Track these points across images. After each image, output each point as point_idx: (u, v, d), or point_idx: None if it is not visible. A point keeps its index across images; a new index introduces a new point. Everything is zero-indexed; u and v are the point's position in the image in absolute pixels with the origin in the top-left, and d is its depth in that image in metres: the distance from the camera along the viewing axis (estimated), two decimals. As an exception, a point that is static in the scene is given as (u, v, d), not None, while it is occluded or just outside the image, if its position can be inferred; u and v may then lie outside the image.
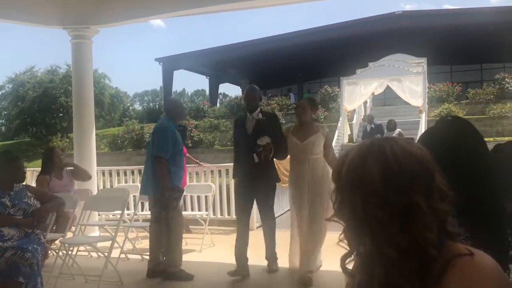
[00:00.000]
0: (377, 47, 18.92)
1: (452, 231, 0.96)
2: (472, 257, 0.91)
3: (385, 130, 11.45)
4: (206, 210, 6.93)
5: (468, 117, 14.15)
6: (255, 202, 4.85)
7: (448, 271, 0.90)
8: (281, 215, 7.94)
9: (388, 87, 15.28)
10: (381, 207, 0.92)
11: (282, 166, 7.79)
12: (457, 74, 25.40)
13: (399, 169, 0.93)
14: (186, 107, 5.33)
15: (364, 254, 0.98)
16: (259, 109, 4.93)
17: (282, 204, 8.15)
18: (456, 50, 22.25)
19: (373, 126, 11.57)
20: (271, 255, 4.88)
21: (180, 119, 5.16)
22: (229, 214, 7.37)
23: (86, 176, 6.16)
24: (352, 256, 1.02)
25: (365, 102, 17.00)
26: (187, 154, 7.39)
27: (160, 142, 4.67)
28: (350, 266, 1.05)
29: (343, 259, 1.03)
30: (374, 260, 0.95)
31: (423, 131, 12.70)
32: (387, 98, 20.80)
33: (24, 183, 4.05)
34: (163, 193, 4.61)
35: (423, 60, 16.83)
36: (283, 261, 4.96)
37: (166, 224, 4.72)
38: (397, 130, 11.21)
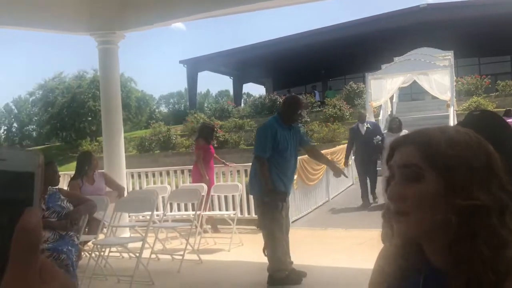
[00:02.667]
0: (402, 42, 18.64)
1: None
2: None
3: (385, 131, 9.21)
4: (234, 209, 6.98)
5: (498, 110, 13.79)
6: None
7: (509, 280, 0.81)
8: (309, 212, 7.94)
9: (414, 82, 15.06)
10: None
11: (309, 166, 7.80)
12: (485, 66, 24.81)
13: (497, 156, 0.89)
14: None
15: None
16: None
17: (310, 202, 8.16)
18: (483, 41, 21.73)
19: (368, 126, 8.79)
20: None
21: (291, 119, 4.63)
22: (256, 213, 7.39)
23: (120, 189, 6.24)
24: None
25: (392, 98, 16.78)
26: (214, 155, 7.47)
27: (259, 140, 4.50)
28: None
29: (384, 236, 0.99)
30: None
31: (452, 125, 12.55)
32: (414, 92, 20.49)
33: (57, 187, 4.18)
34: (263, 193, 4.40)
35: (450, 53, 16.51)
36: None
37: (265, 228, 4.54)
38: (404, 131, 8.37)
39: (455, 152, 0.87)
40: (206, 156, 7.19)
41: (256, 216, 7.35)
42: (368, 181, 8.65)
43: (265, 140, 4.38)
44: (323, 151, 6.89)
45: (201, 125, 8.79)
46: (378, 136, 8.44)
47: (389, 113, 16.69)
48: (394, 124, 8.51)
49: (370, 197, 8.68)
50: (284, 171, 4.49)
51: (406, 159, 0.90)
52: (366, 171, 8.63)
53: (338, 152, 10.07)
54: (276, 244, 4.45)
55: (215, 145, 17.11)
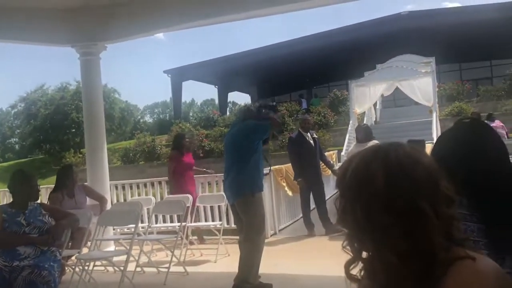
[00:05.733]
0: (385, 49, 18.86)
1: (458, 237, 0.96)
2: (474, 261, 0.91)
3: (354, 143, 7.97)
4: (220, 220, 6.94)
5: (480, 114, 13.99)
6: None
7: (448, 275, 0.90)
8: (295, 221, 7.93)
9: (397, 88, 15.21)
10: (384, 213, 0.92)
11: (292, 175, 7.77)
12: (466, 72, 25.22)
13: (403, 175, 0.94)
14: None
15: (367, 260, 0.99)
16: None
17: (296, 211, 8.15)
18: (464, 47, 22.10)
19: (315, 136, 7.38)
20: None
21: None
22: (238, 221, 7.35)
23: (101, 199, 6.19)
24: (356, 262, 1.03)
25: (375, 104, 16.93)
26: (194, 167, 7.36)
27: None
28: (354, 272, 1.05)
29: (347, 265, 1.03)
30: (375, 266, 0.96)
31: (435, 130, 12.69)
32: (397, 99, 20.68)
33: (38, 201, 4.10)
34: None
35: (432, 60, 16.74)
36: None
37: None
38: (373, 142, 6.61)
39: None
40: (179, 167, 7.01)
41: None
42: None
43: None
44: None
45: (174, 136, 8.72)
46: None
47: (373, 119, 16.83)
48: (359, 133, 7.20)
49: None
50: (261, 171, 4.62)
51: None
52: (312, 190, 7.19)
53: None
54: (259, 254, 4.43)
55: (201, 155, 17.12)
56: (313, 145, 7.10)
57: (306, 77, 27.15)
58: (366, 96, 14.65)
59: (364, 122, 15.44)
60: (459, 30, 20.47)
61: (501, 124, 11.67)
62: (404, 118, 17.14)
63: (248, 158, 4.39)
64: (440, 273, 0.91)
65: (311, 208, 7.33)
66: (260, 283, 4.52)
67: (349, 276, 1.04)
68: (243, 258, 4.42)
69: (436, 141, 1.55)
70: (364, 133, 7.05)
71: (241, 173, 4.39)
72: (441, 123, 13.50)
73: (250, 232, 4.43)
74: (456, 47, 21.69)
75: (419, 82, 14.05)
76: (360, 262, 1.01)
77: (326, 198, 7.39)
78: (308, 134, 7.15)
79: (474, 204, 1.29)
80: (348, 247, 1.00)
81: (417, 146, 1.04)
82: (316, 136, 7.38)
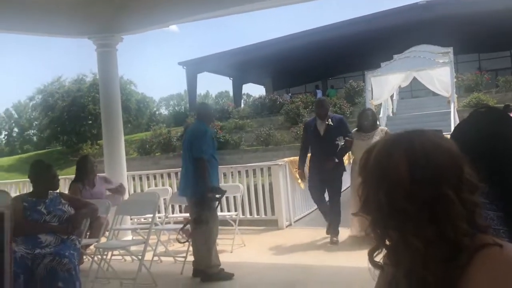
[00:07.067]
0: (401, 39, 18.63)
1: (482, 224, 0.96)
2: (501, 248, 0.90)
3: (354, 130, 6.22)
4: (235, 210, 6.97)
5: (499, 105, 13.77)
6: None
7: (475, 262, 0.90)
8: (311, 212, 7.93)
9: (415, 79, 15.04)
10: (408, 200, 0.92)
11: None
12: (485, 62, 24.82)
13: (427, 162, 0.93)
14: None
15: (391, 246, 0.98)
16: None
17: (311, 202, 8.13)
18: (483, 37, 21.72)
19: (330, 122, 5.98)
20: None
21: (211, 122, 5.47)
22: (258, 214, 7.39)
23: (120, 186, 6.29)
24: (380, 249, 1.02)
25: (392, 95, 16.78)
26: None
27: (200, 144, 4.78)
28: (377, 260, 1.05)
29: (371, 252, 1.03)
30: (400, 252, 0.96)
31: (453, 121, 12.52)
32: (414, 90, 20.47)
33: (57, 191, 4.17)
34: (205, 194, 4.71)
35: (449, 50, 16.50)
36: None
37: (206, 225, 4.78)
38: (381, 129, 6.02)
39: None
40: None
41: (258, 216, 7.38)
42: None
43: (207, 142, 4.81)
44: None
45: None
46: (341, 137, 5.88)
47: (390, 110, 16.69)
48: (366, 119, 5.95)
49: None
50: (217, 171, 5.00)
51: None
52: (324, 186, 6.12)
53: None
54: (213, 241, 4.84)
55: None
56: (321, 133, 5.91)
57: (322, 68, 26.98)
58: (383, 87, 14.50)
59: (381, 113, 15.32)
60: (478, 20, 20.10)
61: None
62: (421, 109, 16.97)
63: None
64: (466, 259, 0.91)
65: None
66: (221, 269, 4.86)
67: (372, 263, 1.04)
68: (203, 243, 4.83)
69: (456, 129, 1.53)
70: (372, 119, 5.96)
71: None
72: (459, 114, 13.32)
73: (204, 217, 4.86)
74: (475, 36, 21.32)
75: (437, 72, 13.86)
76: (383, 249, 1.01)
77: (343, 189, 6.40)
78: (325, 120, 5.91)
79: (496, 192, 1.28)
80: (371, 234, 1.00)
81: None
82: (332, 124, 5.88)
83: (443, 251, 0.92)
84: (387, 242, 0.99)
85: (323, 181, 6.00)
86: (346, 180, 7.13)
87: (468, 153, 0.98)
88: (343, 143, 5.82)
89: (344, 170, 6.25)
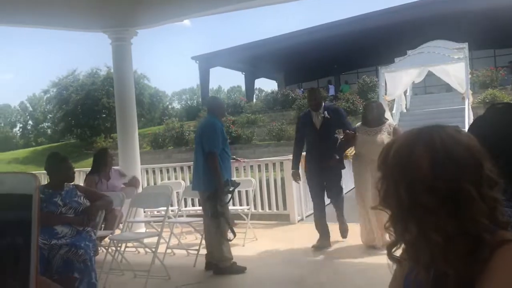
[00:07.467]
0: (415, 34, 18.44)
1: (502, 220, 0.96)
2: None
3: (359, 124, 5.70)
4: (247, 204, 7.00)
5: (514, 102, 13.58)
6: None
7: (495, 257, 0.90)
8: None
9: (428, 75, 14.88)
10: (429, 195, 0.92)
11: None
12: (501, 58, 24.44)
13: (448, 157, 0.93)
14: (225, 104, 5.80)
15: (410, 241, 0.99)
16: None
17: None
18: (499, 33, 21.38)
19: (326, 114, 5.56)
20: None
21: (222, 116, 5.44)
22: (270, 208, 7.41)
23: (134, 179, 6.36)
24: (399, 244, 1.03)
25: (405, 91, 16.63)
26: None
27: (211, 138, 4.78)
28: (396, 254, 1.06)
29: (390, 247, 1.04)
30: (420, 246, 0.96)
31: (467, 118, 12.39)
32: (428, 86, 20.27)
33: (73, 183, 4.23)
34: (217, 188, 4.70)
35: (464, 46, 16.29)
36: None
37: (217, 219, 4.79)
38: (389, 122, 5.60)
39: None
40: None
41: (270, 211, 7.40)
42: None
43: (218, 137, 4.80)
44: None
45: None
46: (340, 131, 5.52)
47: (403, 106, 16.55)
48: (370, 114, 5.40)
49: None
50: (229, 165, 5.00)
51: None
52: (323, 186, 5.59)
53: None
54: (225, 235, 4.86)
55: (228, 141, 17.21)
56: (318, 127, 5.40)
57: (334, 63, 26.82)
58: (396, 83, 14.37)
59: (394, 109, 15.19)
60: (494, 15, 19.79)
61: None
62: (435, 105, 16.81)
63: None
64: (486, 254, 0.91)
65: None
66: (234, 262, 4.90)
67: (390, 257, 1.04)
68: (215, 237, 4.88)
69: (473, 125, 1.52)
70: (377, 112, 5.40)
71: None
72: (473, 110, 13.17)
73: (216, 212, 4.89)
74: (490, 32, 21.00)
75: (453, 68, 13.70)
76: (402, 244, 1.02)
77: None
78: (319, 112, 5.41)
79: None
80: (391, 229, 1.01)
81: None
82: (328, 116, 5.36)
83: (463, 246, 0.93)
84: (407, 237, 0.99)
85: (322, 181, 5.52)
86: (346, 180, 7.11)
87: (486, 149, 0.98)
88: (342, 137, 5.30)
89: (343, 167, 5.71)
